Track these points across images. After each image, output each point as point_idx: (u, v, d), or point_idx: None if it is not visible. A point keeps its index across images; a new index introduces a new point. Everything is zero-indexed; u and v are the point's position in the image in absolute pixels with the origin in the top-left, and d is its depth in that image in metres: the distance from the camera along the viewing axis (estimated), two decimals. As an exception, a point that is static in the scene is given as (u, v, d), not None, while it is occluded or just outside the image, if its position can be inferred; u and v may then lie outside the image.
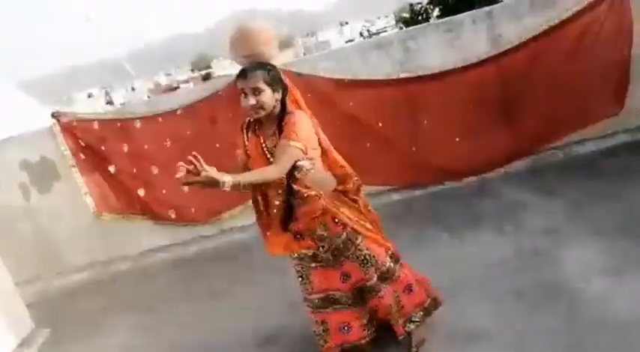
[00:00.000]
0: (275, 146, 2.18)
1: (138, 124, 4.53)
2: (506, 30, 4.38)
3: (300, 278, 2.49)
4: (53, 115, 4.51)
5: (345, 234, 2.33)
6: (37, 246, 4.80)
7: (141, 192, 4.64)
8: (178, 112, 4.53)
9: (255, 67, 2.19)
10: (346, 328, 2.45)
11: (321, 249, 2.34)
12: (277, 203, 2.27)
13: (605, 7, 4.21)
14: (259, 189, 2.30)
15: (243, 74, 2.16)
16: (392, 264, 2.45)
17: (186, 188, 4.64)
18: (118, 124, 4.51)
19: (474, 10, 4.49)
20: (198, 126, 4.53)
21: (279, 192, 2.24)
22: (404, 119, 4.51)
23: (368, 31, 35.60)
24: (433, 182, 4.61)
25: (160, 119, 4.54)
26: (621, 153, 4.36)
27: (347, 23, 68.58)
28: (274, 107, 2.20)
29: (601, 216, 3.38)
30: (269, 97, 2.16)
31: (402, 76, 4.40)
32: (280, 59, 4.66)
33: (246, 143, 2.28)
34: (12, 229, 4.68)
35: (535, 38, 4.34)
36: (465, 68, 4.39)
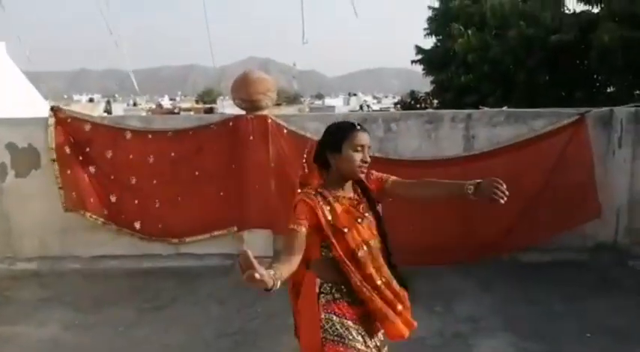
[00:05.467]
0: (365, 212, 1.98)
1: (128, 135, 4.80)
2: (481, 134, 4.84)
3: None
4: (52, 109, 4.77)
5: None
6: (-4, 226, 4.89)
7: (113, 198, 4.82)
8: (169, 134, 4.83)
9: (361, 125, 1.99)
10: None
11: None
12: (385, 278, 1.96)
13: (565, 136, 4.70)
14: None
15: (361, 128, 1.95)
16: None
17: (157, 203, 4.85)
18: (109, 131, 4.78)
19: (455, 110, 4.98)
20: (183, 151, 4.82)
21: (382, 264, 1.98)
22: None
23: (368, 106, 37.11)
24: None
25: (150, 136, 4.83)
26: (559, 267, 4.69)
27: (355, 95, 71.25)
28: None
29: (522, 316, 3.69)
30: None
31: (377, 155, 4.68)
32: (281, 111, 5.08)
33: (328, 216, 1.88)
34: (-22, 204, 4.79)
35: (505, 148, 4.79)
36: (436, 161, 4.76)
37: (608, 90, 10.90)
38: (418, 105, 13.52)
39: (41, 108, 5.00)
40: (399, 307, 1.94)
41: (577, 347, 3.26)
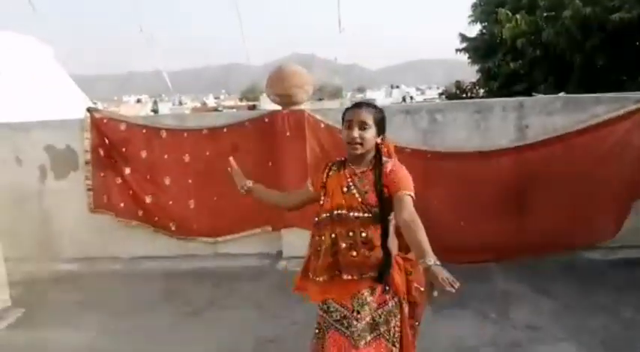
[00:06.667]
0: (365, 185, 1.99)
1: (163, 134, 4.72)
2: (534, 123, 4.44)
3: (316, 330, 2.19)
4: (88, 110, 4.75)
5: (390, 304, 2.03)
6: (37, 228, 4.94)
7: (148, 199, 4.76)
8: (204, 132, 4.71)
9: (369, 104, 2.08)
10: None
11: (355, 313, 2.00)
12: (345, 246, 1.99)
13: (631, 123, 4.24)
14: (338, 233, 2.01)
15: (357, 105, 2.04)
16: None
17: (192, 204, 4.77)
18: (144, 130, 4.71)
19: (506, 98, 4.59)
20: (218, 149, 4.68)
21: (352, 238, 1.98)
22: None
23: (411, 97, 36.33)
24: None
25: (186, 134, 4.73)
26: (627, 267, 4.25)
27: (397, 87, 70.30)
28: (371, 149, 2.02)
29: (587, 325, 3.29)
30: (372, 136, 1.98)
31: (422, 147, 4.43)
32: (324, 106, 4.87)
33: (324, 180, 2.08)
34: (20, 206, 4.85)
35: (561, 137, 4.38)
36: (487, 153, 4.41)
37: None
38: (464, 95, 13.00)
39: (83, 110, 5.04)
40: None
41: (654, 361, 2.87)
